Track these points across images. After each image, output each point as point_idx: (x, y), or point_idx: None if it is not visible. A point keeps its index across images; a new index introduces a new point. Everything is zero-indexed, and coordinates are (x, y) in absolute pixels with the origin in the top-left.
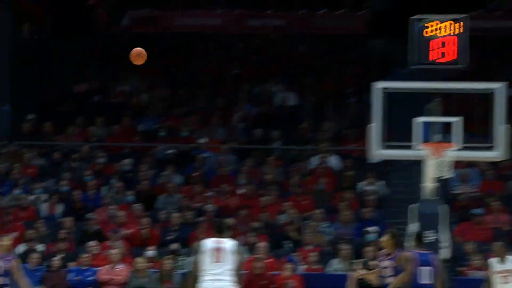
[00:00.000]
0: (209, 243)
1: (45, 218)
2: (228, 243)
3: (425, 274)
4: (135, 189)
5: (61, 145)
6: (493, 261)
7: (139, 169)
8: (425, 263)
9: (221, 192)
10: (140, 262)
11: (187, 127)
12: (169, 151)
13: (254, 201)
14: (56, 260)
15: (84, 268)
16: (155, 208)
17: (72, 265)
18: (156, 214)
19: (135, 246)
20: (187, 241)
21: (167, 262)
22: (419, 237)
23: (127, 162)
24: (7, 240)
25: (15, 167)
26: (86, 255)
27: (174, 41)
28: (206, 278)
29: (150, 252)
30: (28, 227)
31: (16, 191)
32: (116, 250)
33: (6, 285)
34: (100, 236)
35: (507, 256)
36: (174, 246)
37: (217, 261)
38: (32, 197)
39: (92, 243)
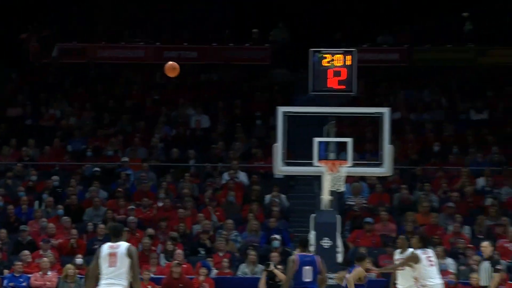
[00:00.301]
0: (105, 248)
1: None
2: (121, 247)
3: (307, 273)
4: (64, 204)
5: None
6: (396, 252)
7: (68, 185)
8: (307, 263)
9: (143, 205)
10: (69, 269)
11: (111, 147)
12: (95, 169)
13: (172, 213)
14: None
15: (17, 275)
16: (83, 220)
17: (6, 272)
18: (83, 226)
19: (64, 255)
20: None
21: (93, 269)
22: (303, 242)
23: (56, 179)
24: None
25: None
26: (19, 263)
27: (100, 70)
28: (103, 282)
29: (78, 260)
30: None
31: None
32: (46, 259)
33: None
34: (32, 246)
35: (408, 249)
36: None
37: (111, 265)
38: None
39: (25, 252)
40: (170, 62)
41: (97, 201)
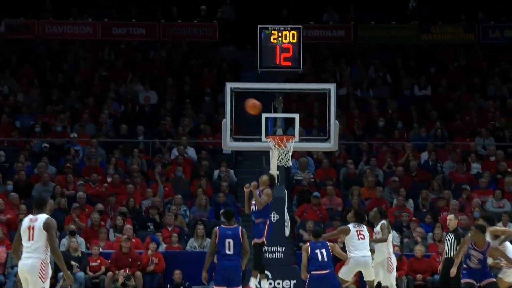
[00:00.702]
0: (25, 221)
1: None
2: (39, 220)
3: (229, 246)
4: (13, 179)
5: None
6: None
7: (16, 161)
8: (230, 236)
9: (92, 181)
10: None
11: (60, 123)
12: (44, 145)
13: (121, 189)
14: None
15: None
16: (32, 196)
17: None
18: (32, 201)
19: (13, 230)
20: (61, 225)
21: None
22: (226, 214)
23: (4, 155)
24: None
25: None
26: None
27: (49, 47)
28: (23, 255)
29: None
30: None
31: None
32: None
33: None
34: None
35: (381, 220)
36: None
37: (30, 239)
38: None
39: None
40: (252, 101)
41: (46, 177)
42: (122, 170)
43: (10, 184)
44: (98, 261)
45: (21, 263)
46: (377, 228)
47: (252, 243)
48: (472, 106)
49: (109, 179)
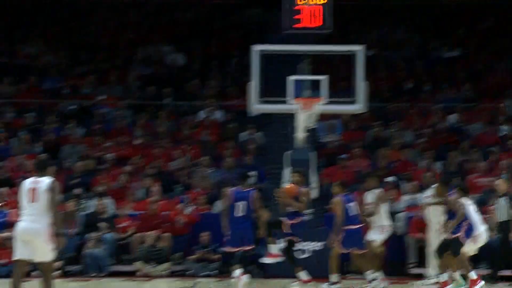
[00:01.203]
0: (28, 182)
1: None
2: (44, 182)
3: (240, 209)
4: (41, 141)
5: None
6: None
7: (45, 123)
8: (241, 199)
9: (119, 143)
10: None
11: (87, 85)
12: (72, 107)
13: (148, 151)
14: None
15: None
16: (60, 158)
17: None
18: (61, 163)
19: None
20: (89, 187)
21: (71, 205)
22: (241, 177)
23: (33, 116)
24: None
25: None
26: None
27: (75, 8)
28: (23, 217)
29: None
30: None
31: None
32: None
33: None
34: (10, 183)
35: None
36: (77, 191)
37: (33, 201)
38: None
39: (3, 189)
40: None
41: (74, 139)
42: (149, 132)
43: (38, 146)
44: (127, 222)
45: (24, 226)
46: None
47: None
48: (501, 67)
49: (136, 141)
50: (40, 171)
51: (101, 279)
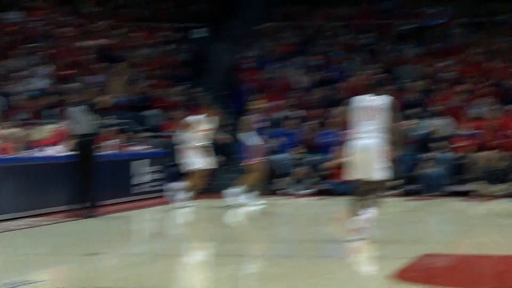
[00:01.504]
0: (362, 101)
1: (299, 89)
2: (380, 100)
3: None
4: (378, 61)
5: (312, 24)
6: None
7: (381, 44)
8: None
9: (455, 62)
10: None
11: (424, 3)
12: (408, 27)
13: (485, 68)
14: (309, 125)
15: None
16: (396, 78)
17: (322, 129)
18: (397, 83)
19: None
20: (425, 106)
21: (406, 124)
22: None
23: (370, 37)
24: (262, 103)
25: (273, 45)
26: (332, 120)
27: None
28: (358, 135)
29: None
30: (285, 97)
31: (274, 66)
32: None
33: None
34: (346, 104)
35: None
36: (413, 110)
37: (369, 119)
38: (288, 71)
39: (338, 109)
40: None
41: (410, 58)
42: (486, 49)
43: (375, 67)
44: (463, 142)
45: (360, 143)
46: None
47: None
48: None
49: (473, 59)
50: (374, 90)
51: (437, 199)
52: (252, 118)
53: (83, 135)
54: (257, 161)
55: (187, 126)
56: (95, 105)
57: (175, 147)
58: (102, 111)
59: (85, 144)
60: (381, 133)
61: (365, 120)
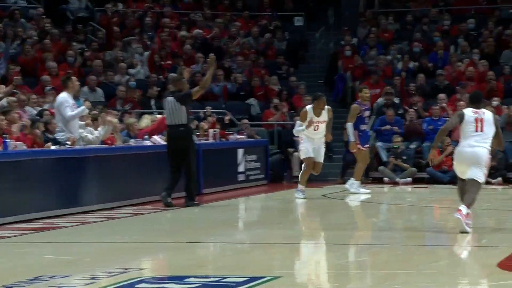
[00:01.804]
0: (470, 112)
1: (399, 76)
2: (486, 114)
3: None
4: (479, 47)
5: (412, 10)
6: None
7: (484, 29)
8: None
9: None
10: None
11: None
12: (511, 11)
13: None
14: (412, 111)
15: (435, 118)
16: (500, 63)
17: (425, 115)
18: (500, 69)
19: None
20: None
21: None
22: None
23: (471, 22)
24: (368, 92)
25: (374, 32)
26: (436, 107)
27: None
28: (466, 143)
29: (495, 102)
30: (386, 84)
31: (373, 52)
32: (463, 102)
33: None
34: (449, 90)
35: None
36: None
37: (478, 130)
38: (387, 57)
39: (441, 96)
40: None
41: None
42: None
43: (476, 53)
44: None
45: (463, 150)
46: None
47: None
48: None
49: None
50: (476, 103)
51: None
52: (359, 107)
53: (177, 126)
54: (364, 149)
55: (305, 116)
56: (189, 95)
57: (294, 136)
58: (195, 101)
59: (179, 134)
60: (487, 143)
61: (474, 130)
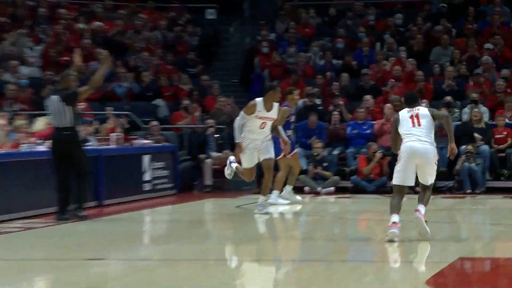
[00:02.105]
0: (404, 112)
1: (321, 75)
2: (421, 109)
3: None
4: (407, 45)
5: (335, 3)
6: None
7: (412, 24)
8: None
9: (495, 44)
10: None
11: None
12: (442, 5)
13: None
14: (334, 115)
15: (360, 122)
16: (429, 61)
17: (349, 118)
18: (429, 68)
19: None
20: (462, 94)
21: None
22: None
23: (399, 17)
24: (297, 94)
25: (293, 26)
26: (361, 109)
27: None
28: (410, 138)
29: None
30: (307, 83)
31: (292, 49)
32: (389, 105)
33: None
34: (375, 91)
35: None
36: (448, 98)
37: (415, 125)
38: (308, 55)
39: (367, 97)
40: None
41: (444, 40)
42: None
43: (403, 50)
44: (505, 133)
45: (410, 145)
46: None
47: None
48: None
49: None
50: (412, 104)
51: (476, 196)
52: (290, 110)
53: (62, 129)
54: (289, 156)
55: (252, 109)
56: (75, 94)
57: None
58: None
59: (64, 138)
60: (431, 137)
61: (413, 126)
